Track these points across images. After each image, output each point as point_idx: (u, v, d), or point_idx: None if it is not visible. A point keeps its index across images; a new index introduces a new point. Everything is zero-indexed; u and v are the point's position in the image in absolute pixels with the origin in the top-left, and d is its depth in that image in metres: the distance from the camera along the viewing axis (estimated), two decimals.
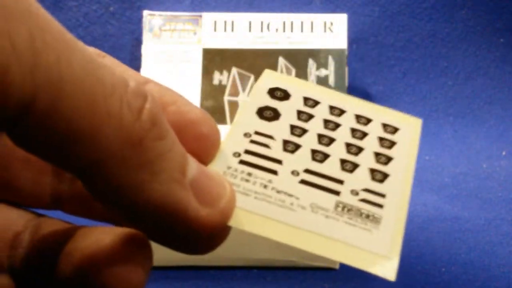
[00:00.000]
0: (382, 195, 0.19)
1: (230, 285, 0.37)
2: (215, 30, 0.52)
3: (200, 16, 0.52)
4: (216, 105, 0.50)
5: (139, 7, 0.55)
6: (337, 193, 0.19)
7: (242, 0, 0.57)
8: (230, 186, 0.18)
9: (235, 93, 0.50)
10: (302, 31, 0.52)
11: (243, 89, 0.50)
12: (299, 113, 0.21)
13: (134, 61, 0.54)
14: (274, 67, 0.51)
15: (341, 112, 0.21)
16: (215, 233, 0.17)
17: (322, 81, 0.51)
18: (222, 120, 0.49)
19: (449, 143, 0.55)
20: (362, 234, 0.18)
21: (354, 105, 0.22)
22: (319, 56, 0.51)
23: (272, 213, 0.18)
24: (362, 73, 0.57)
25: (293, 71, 0.51)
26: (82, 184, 0.15)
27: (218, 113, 0.49)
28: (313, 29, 0.52)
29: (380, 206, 0.18)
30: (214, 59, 0.51)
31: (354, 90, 0.57)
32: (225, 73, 0.51)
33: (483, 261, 0.39)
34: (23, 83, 0.12)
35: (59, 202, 0.20)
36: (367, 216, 0.18)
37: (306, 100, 0.22)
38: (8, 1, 0.12)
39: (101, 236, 0.17)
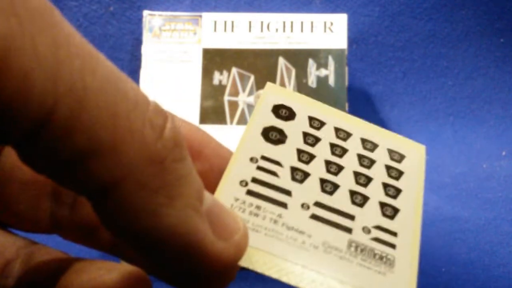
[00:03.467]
0: (394, 234, 0.18)
1: (230, 285, 0.37)
2: (215, 30, 0.52)
3: (200, 16, 0.52)
4: (216, 105, 0.50)
5: (139, 7, 0.55)
6: (349, 230, 0.18)
7: (242, 0, 0.57)
8: (241, 219, 0.16)
9: (235, 93, 0.50)
10: (302, 31, 0.52)
11: (243, 89, 0.50)
12: (306, 135, 0.20)
13: (134, 61, 0.54)
14: (274, 67, 0.51)
15: (347, 135, 0.21)
16: (227, 270, 0.16)
17: (322, 81, 0.51)
18: (222, 120, 0.49)
19: (449, 143, 0.55)
20: (376, 278, 0.17)
21: (359, 127, 0.21)
22: (319, 56, 0.51)
23: (284, 253, 0.17)
24: (362, 73, 0.57)
25: (293, 71, 0.51)
26: (92, 207, 0.14)
27: (218, 113, 0.49)
28: (313, 29, 0.52)
29: (393, 246, 0.18)
30: (214, 59, 0.51)
31: (354, 90, 0.57)
32: (225, 73, 0.51)
33: (483, 261, 0.39)
34: (44, 90, 0.12)
35: (57, 227, 0.19)
36: (381, 258, 0.17)
37: (311, 120, 0.21)
38: (35, 7, 0.12)
39: (99, 272, 0.16)
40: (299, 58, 0.51)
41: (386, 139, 0.21)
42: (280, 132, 0.20)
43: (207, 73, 0.51)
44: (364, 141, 0.21)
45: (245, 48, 0.51)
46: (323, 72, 0.51)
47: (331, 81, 0.51)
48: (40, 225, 0.19)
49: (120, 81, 0.13)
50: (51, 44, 0.12)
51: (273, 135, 0.20)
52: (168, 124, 0.14)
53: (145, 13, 0.52)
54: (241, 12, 0.54)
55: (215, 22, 0.52)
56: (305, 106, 0.21)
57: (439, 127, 0.56)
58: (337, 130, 0.21)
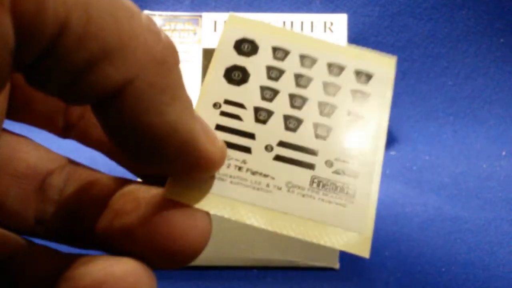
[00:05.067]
0: (356, 162, 0.18)
1: (230, 285, 0.37)
2: (215, 30, 0.52)
3: (200, 16, 0.52)
4: None
5: (139, 7, 0.55)
6: (312, 166, 0.18)
7: (242, 0, 0.57)
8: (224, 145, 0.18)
9: None
10: (302, 31, 0.52)
11: None
12: (269, 69, 0.20)
13: None
14: None
15: (313, 61, 0.20)
16: (213, 170, 0.17)
17: None
18: None
19: (449, 143, 0.55)
20: (337, 211, 0.17)
21: (326, 50, 0.21)
22: None
23: (249, 198, 0.17)
24: None
25: None
26: (99, 115, 0.15)
27: None
28: (313, 29, 0.52)
29: (355, 176, 0.18)
30: None
31: None
32: None
33: (483, 261, 0.39)
34: (56, 5, 0.13)
35: (41, 225, 0.19)
36: (342, 190, 0.18)
37: (275, 51, 0.20)
38: None
39: (107, 263, 0.17)
40: None
41: (355, 59, 0.21)
42: (243, 70, 0.20)
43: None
44: (330, 65, 0.20)
45: None
46: None
47: None
48: (25, 223, 0.19)
49: None
50: None
51: (235, 75, 0.20)
52: (162, 32, 0.15)
53: (145, 13, 0.52)
54: (241, 12, 0.54)
55: (215, 22, 0.52)
56: (269, 36, 0.21)
57: (439, 127, 0.56)
58: (302, 57, 0.20)
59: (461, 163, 0.52)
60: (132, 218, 0.17)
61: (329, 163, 0.18)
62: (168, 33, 0.51)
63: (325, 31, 0.52)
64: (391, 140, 0.55)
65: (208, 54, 0.51)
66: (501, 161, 0.53)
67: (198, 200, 0.17)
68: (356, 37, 0.57)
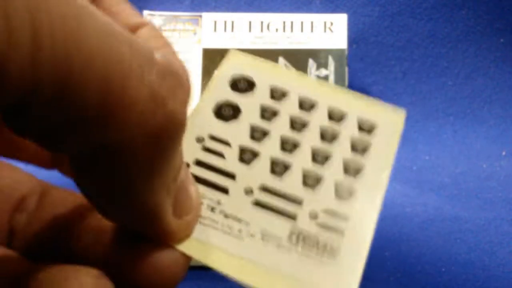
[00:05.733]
0: (345, 218, 0.16)
1: (230, 285, 0.37)
2: (215, 30, 0.52)
3: (200, 16, 0.52)
4: None
5: (139, 7, 0.55)
6: (293, 216, 0.16)
7: (242, 0, 0.57)
8: (198, 195, 0.16)
9: None
10: (302, 31, 0.52)
11: None
12: (263, 109, 0.18)
13: None
14: None
15: (312, 105, 0.19)
16: (173, 242, 0.16)
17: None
18: None
19: (449, 143, 0.55)
20: (315, 268, 0.15)
21: (329, 94, 0.19)
22: (319, 56, 0.51)
23: (218, 242, 0.16)
24: (362, 73, 0.57)
25: (293, 71, 0.51)
26: (70, 162, 0.14)
27: None
28: (313, 29, 0.52)
29: (341, 232, 0.16)
30: (214, 59, 0.51)
31: (354, 90, 0.57)
32: None
33: (483, 261, 0.39)
34: (22, 73, 0.11)
35: (12, 238, 0.18)
36: (325, 246, 0.16)
37: (273, 91, 0.19)
38: None
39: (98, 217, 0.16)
40: (299, 58, 0.51)
41: (360, 107, 0.19)
42: (235, 107, 0.19)
43: (207, 73, 0.50)
44: (331, 110, 0.19)
45: (245, 48, 0.51)
46: (323, 72, 0.51)
47: (331, 81, 0.50)
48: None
49: (112, 39, 0.12)
50: (27, 14, 0.10)
51: (225, 111, 0.18)
52: (171, 100, 0.13)
53: (145, 13, 0.52)
54: (241, 12, 0.54)
55: (215, 22, 0.52)
56: (269, 75, 0.19)
57: (439, 127, 0.56)
58: (301, 100, 0.19)
59: (461, 163, 0.52)
60: (104, 246, 0.16)
61: (313, 215, 0.16)
62: (168, 33, 0.51)
63: (325, 31, 0.52)
64: None
65: (208, 54, 0.51)
66: (501, 161, 0.53)
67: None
68: (356, 37, 0.57)
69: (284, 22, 0.52)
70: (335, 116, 0.19)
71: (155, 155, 0.13)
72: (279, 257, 0.16)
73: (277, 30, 0.52)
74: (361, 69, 0.57)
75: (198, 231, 0.16)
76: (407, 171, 0.50)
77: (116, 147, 0.13)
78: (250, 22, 0.52)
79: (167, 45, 0.17)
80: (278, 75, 0.20)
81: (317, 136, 0.18)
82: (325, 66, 0.51)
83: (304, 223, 0.16)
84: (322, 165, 0.18)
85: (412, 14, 0.57)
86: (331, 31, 0.52)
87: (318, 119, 0.19)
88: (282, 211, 0.17)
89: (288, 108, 0.19)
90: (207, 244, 0.16)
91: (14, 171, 0.19)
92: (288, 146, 0.18)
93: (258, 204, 0.17)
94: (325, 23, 0.52)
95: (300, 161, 0.18)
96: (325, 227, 0.16)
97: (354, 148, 0.18)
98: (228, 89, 0.19)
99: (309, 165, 0.18)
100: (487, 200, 0.47)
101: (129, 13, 0.17)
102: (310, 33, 0.52)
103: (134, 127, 0.12)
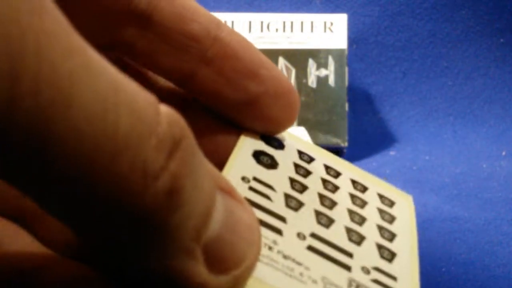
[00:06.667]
0: (394, 278, 0.16)
1: None
2: None
3: None
4: None
5: None
6: (348, 268, 0.16)
7: (242, 0, 0.57)
8: (256, 241, 0.14)
9: None
10: (302, 31, 0.52)
11: None
12: (297, 166, 0.18)
13: None
14: None
15: (337, 174, 0.19)
16: None
17: (322, 81, 0.51)
18: None
19: (449, 143, 0.55)
20: None
21: (347, 168, 0.20)
22: (319, 56, 0.51)
23: (281, 283, 0.14)
24: (362, 73, 0.57)
25: (293, 71, 0.51)
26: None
27: None
28: (313, 29, 0.52)
29: None
30: None
31: (354, 90, 0.57)
32: None
33: (483, 261, 0.39)
34: None
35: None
36: None
37: (301, 154, 0.19)
38: None
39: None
40: (299, 58, 0.51)
41: (374, 184, 0.20)
42: (271, 157, 0.18)
43: None
44: (354, 182, 0.19)
45: None
46: (323, 72, 0.51)
47: (331, 81, 0.50)
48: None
49: (108, 105, 0.10)
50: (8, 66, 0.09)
51: (264, 159, 0.18)
52: (172, 164, 0.11)
53: None
54: (241, 12, 0.54)
55: None
56: (293, 141, 0.20)
57: (439, 127, 0.56)
58: (327, 167, 0.19)
59: (461, 163, 0.52)
60: None
61: (365, 270, 0.16)
62: None
63: (325, 31, 0.52)
64: (391, 140, 0.55)
65: None
66: (501, 161, 0.53)
67: None
68: (356, 37, 0.57)
69: (284, 22, 0.52)
70: (358, 187, 0.19)
71: (156, 229, 0.11)
72: None
73: (277, 30, 0.52)
74: (361, 69, 0.57)
75: (259, 270, 0.14)
76: (407, 171, 0.51)
77: (103, 224, 0.11)
78: (250, 22, 0.52)
79: (263, 56, 0.18)
80: (299, 143, 0.20)
81: (349, 200, 0.18)
82: (325, 66, 0.51)
83: (359, 276, 0.16)
84: (360, 226, 0.17)
85: (412, 14, 0.57)
86: (331, 31, 0.52)
87: (345, 186, 0.19)
88: (336, 260, 0.16)
89: (317, 171, 0.19)
90: (269, 285, 0.14)
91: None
92: (326, 203, 0.18)
93: (313, 249, 0.16)
94: (325, 23, 0.52)
95: (341, 218, 0.17)
96: (378, 283, 0.16)
97: (382, 217, 0.18)
98: (262, 143, 0.19)
99: (349, 223, 0.17)
100: (487, 200, 0.47)
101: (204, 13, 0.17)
102: (310, 33, 0.52)
103: (122, 205, 0.10)
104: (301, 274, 0.15)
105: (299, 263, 0.15)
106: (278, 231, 0.16)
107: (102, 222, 0.11)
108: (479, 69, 0.57)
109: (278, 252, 0.15)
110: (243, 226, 0.13)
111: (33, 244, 0.17)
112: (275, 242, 0.15)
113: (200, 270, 0.12)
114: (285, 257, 0.15)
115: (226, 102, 0.18)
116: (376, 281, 0.16)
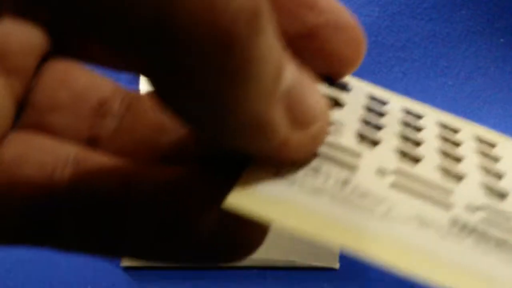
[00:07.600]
0: (508, 219, 0.13)
1: (230, 285, 0.37)
2: None
3: None
4: None
5: None
6: (447, 206, 0.13)
7: None
8: (319, 103, 0.13)
9: None
10: None
11: None
12: (368, 109, 0.16)
13: None
14: None
15: (419, 116, 0.17)
16: (296, 162, 0.13)
17: None
18: None
19: None
20: (500, 266, 0.12)
21: (433, 112, 0.17)
22: None
23: (358, 222, 0.12)
24: (362, 73, 0.57)
25: None
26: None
27: None
28: None
29: (510, 231, 0.13)
30: None
31: None
32: None
33: None
34: None
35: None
36: (498, 245, 0.13)
37: (372, 97, 0.17)
38: None
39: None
40: None
41: (468, 126, 0.17)
42: (334, 100, 0.16)
43: None
44: (442, 125, 0.17)
45: None
46: None
47: None
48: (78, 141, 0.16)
49: None
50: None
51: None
52: None
53: None
54: None
55: None
56: (362, 85, 0.18)
57: None
58: (406, 110, 0.17)
59: None
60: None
61: (471, 208, 0.13)
62: None
63: None
64: None
65: None
66: None
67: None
68: None
69: None
70: (447, 128, 0.17)
71: (237, 56, 0.11)
72: (447, 246, 0.12)
73: None
74: (361, 69, 0.57)
75: (329, 211, 0.12)
76: None
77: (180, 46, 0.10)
78: None
79: None
80: (369, 87, 0.18)
81: (438, 140, 0.16)
82: None
83: (463, 214, 0.13)
84: (456, 164, 0.15)
85: (412, 14, 0.57)
86: None
87: (431, 128, 0.16)
88: (431, 197, 0.13)
89: (395, 113, 0.16)
90: (344, 225, 0.12)
91: (91, 75, 0.16)
92: (409, 142, 0.15)
93: (398, 186, 0.13)
94: None
95: (431, 157, 0.15)
96: (490, 223, 0.13)
97: (484, 155, 0.16)
98: (324, 85, 0.16)
99: (442, 161, 0.15)
100: None
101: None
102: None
103: (204, 31, 0.10)
104: (385, 214, 0.12)
105: (380, 202, 0.13)
106: (351, 168, 0.13)
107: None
108: (479, 69, 0.57)
109: (353, 190, 0.13)
110: (312, 89, 0.13)
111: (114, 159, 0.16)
112: (346, 181, 0.13)
113: (282, 121, 0.12)
114: (363, 195, 0.13)
115: (283, 36, 0.17)
116: (485, 222, 0.13)
